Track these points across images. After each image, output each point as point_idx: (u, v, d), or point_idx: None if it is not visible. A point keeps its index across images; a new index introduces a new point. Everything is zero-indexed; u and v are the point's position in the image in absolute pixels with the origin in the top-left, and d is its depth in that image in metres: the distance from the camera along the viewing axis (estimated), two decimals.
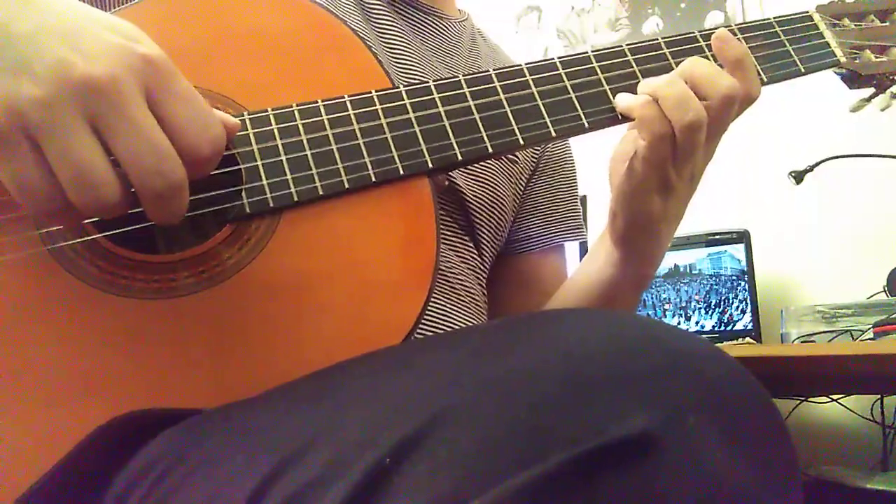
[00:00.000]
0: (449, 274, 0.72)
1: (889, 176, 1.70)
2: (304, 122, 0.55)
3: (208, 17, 0.57)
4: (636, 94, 0.62)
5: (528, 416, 0.31)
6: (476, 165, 0.75)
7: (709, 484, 0.30)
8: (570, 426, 0.30)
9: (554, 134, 0.60)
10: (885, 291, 1.58)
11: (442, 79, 0.60)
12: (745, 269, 1.76)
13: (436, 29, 0.82)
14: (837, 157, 1.60)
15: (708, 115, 0.60)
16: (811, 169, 1.61)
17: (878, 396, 1.67)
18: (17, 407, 0.46)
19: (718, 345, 1.33)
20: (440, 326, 0.69)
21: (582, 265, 0.79)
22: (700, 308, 1.80)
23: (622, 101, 0.62)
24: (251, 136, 0.54)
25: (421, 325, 0.54)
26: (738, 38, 0.67)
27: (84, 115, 0.41)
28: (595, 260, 0.75)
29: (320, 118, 0.55)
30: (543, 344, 0.36)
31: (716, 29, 0.66)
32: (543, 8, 2.42)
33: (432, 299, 0.54)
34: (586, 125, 0.61)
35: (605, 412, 0.31)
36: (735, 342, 1.65)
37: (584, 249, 1.90)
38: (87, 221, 0.50)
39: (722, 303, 1.79)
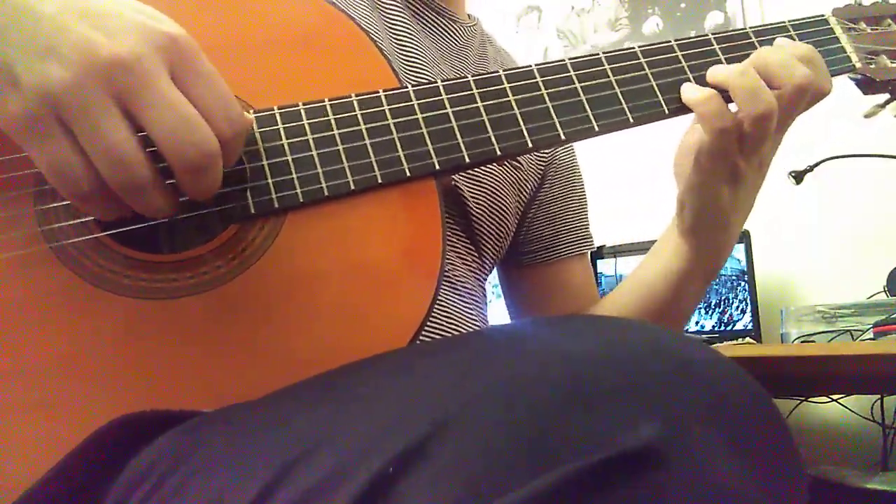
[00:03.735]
0: (451, 275, 0.71)
1: (889, 176, 1.71)
2: (310, 121, 0.54)
3: (215, 12, 0.57)
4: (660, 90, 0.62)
5: (532, 425, 0.30)
6: (479, 171, 0.75)
7: (716, 497, 0.30)
8: (575, 436, 0.30)
9: (563, 137, 0.59)
10: (885, 291, 1.59)
11: (451, 79, 0.59)
12: (745, 269, 1.76)
13: (448, 31, 0.82)
14: (837, 157, 1.60)
15: (779, 104, 0.61)
16: (811, 169, 1.61)
17: (878, 396, 1.67)
18: (16, 407, 0.46)
19: (718, 345, 1.33)
20: (443, 327, 0.68)
21: (644, 262, 0.79)
22: (700, 308, 1.80)
23: (686, 93, 0.62)
24: (257, 134, 0.53)
25: (425, 327, 0.53)
26: (752, 42, 0.67)
27: (112, 94, 0.42)
28: (660, 255, 0.75)
29: (327, 118, 0.55)
30: (547, 350, 0.35)
31: (766, 27, 0.67)
32: (543, 8, 2.42)
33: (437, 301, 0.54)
34: (596, 128, 0.60)
35: (610, 422, 0.30)
36: (735, 342, 1.65)
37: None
38: (89, 219, 0.50)
39: (722, 303, 1.79)
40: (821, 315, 1.52)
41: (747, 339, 1.70)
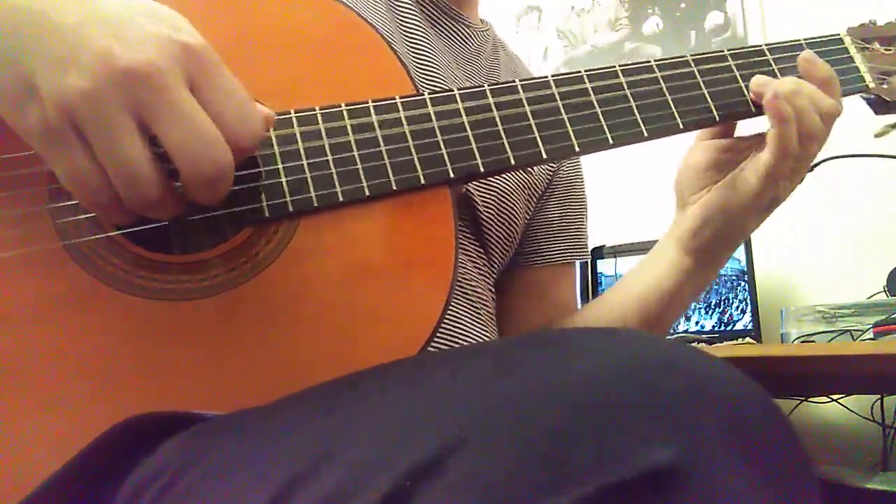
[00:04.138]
0: (462, 279, 0.71)
1: (889, 176, 1.71)
2: (326, 125, 0.54)
3: (233, 14, 0.57)
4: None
5: (550, 442, 0.30)
6: None
7: None
8: (594, 455, 0.30)
9: (577, 149, 0.59)
10: (885, 291, 1.59)
11: (467, 87, 0.59)
12: (745, 269, 1.76)
13: (461, 36, 0.82)
14: (837, 157, 1.60)
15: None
16: (811, 169, 1.61)
17: (878, 396, 1.68)
18: (26, 405, 0.46)
19: (718, 345, 1.33)
20: (453, 332, 0.68)
21: (637, 271, 0.78)
22: (700, 308, 1.81)
23: (772, 103, 0.62)
24: (273, 138, 0.53)
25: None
26: (767, 59, 0.67)
27: (129, 106, 0.42)
28: (655, 266, 0.75)
29: (343, 122, 0.55)
30: (561, 365, 0.35)
31: (781, 44, 0.68)
32: (543, 8, 2.42)
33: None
34: (611, 141, 0.60)
35: (627, 441, 0.30)
36: (735, 342, 1.65)
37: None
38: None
39: (722, 303, 1.80)
40: (821, 315, 1.52)
41: (747, 339, 1.70)
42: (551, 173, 0.87)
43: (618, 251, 1.94)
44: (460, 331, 0.69)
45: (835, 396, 1.73)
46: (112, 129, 0.41)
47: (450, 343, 0.67)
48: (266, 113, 0.47)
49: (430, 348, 0.52)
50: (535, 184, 0.84)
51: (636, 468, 0.29)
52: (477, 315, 0.72)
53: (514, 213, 0.79)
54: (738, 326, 1.76)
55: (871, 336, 1.39)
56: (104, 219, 0.49)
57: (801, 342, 1.50)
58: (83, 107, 0.41)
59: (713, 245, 0.70)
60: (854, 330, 1.46)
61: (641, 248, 1.95)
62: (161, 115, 0.42)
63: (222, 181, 0.44)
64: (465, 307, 0.71)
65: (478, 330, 0.71)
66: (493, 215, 0.76)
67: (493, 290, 0.80)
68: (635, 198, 2.06)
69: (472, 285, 0.73)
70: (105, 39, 0.42)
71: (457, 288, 0.70)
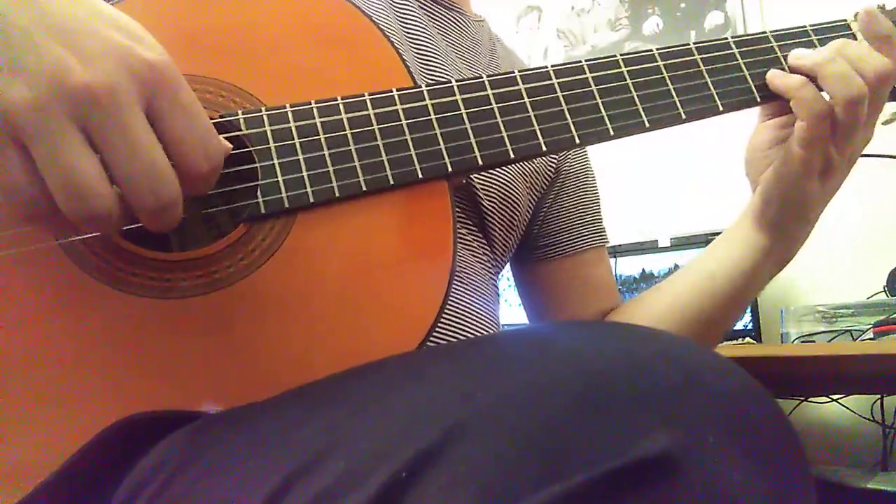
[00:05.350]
0: (463, 272, 0.71)
1: (889, 176, 1.71)
2: (322, 120, 0.54)
3: (229, 6, 0.56)
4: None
5: (546, 434, 0.31)
6: None
7: None
8: (589, 445, 0.30)
9: (577, 140, 0.58)
10: (885, 291, 1.59)
11: (465, 79, 0.58)
12: None
13: (459, 27, 0.82)
14: None
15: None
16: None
17: (878, 396, 1.68)
18: (25, 404, 0.46)
19: (718, 345, 1.31)
20: (454, 323, 0.68)
21: (711, 256, 0.77)
22: None
23: (777, 80, 0.63)
24: (268, 133, 0.53)
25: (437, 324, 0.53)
26: (772, 46, 0.67)
27: (77, 121, 0.39)
28: (730, 249, 0.74)
29: (339, 116, 0.54)
30: (559, 358, 0.35)
31: (785, 31, 0.68)
32: (543, 8, 2.42)
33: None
34: (612, 132, 0.59)
35: (623, 431, 0.30)
36: (735, 342, 1.65)
37: None
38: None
39: None
40: (821, 315, 1.52)
41: (747, 339, 1.70)
42: (555, 162, 0.87)
43: (617, 251, 1.94)
44: (460, 324, 0.69)
45: (835, 396, 1.74)
46: (56, 141, 0.39)
47: (450, 336, 0.67)
48: (226, 145, 0.46)
49: (429, 341, 0.52)
50: (536, 171, 0.84)
51: (630, 457, 0.29)
52: (478, 306, 0.72)
53: (516, 200, 0.78)
54: (738, 326, 1.76)
55: (871, 336, 1.40)
56: (40, 231, 0.47)
57: (801, 342, 1.50)
58: (25, 117, 0.39)
59: (782, 218, 0.69)
60: (854, 330, 1.46)
61: (641, 248, 1.95)
62: (109, 139, 0.40)
63: (167, 212, 0.42)
64: (466, 298, 0.71)
65: (478, 321, 0.71)
66: (495, 204, 0.76)
67: (495, 282, 0.80)
68: (634, 198, 2.06)
69: (472, 278, 0.73)
70: (59, 50, 0.39)
71: (456, 281, 0.70)
